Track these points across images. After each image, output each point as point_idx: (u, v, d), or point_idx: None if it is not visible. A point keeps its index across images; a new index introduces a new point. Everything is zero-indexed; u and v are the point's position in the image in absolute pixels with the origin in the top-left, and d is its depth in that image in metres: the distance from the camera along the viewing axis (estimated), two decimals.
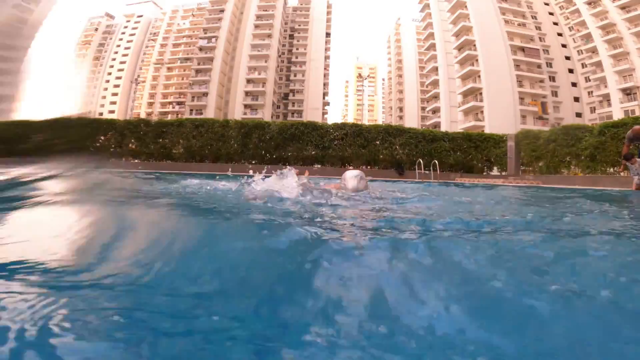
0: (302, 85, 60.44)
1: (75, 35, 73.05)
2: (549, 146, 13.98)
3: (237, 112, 50.33)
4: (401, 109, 70.91)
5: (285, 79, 62.20)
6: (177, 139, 16.19)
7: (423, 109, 65.32)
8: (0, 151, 17.40)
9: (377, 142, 16.02)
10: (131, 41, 69.33)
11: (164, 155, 16.34)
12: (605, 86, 40.73)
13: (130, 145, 16.54)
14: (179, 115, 53.46)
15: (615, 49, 39.86)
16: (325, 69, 62.08)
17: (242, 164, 16.20)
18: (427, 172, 13.68)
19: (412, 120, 63.30)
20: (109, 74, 68.38)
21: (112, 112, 63.47)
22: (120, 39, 70.71)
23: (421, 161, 10.65)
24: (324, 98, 60.32)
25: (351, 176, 2.79)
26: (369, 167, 16.31)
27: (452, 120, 46.54)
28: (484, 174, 17.04)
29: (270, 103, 53.27)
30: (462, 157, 16.46)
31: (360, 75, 44.33)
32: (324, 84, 60.83)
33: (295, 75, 61.46)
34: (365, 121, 38.07)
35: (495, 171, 17.02)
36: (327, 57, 63.55)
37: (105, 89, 67.72)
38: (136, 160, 16.78)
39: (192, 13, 65.69)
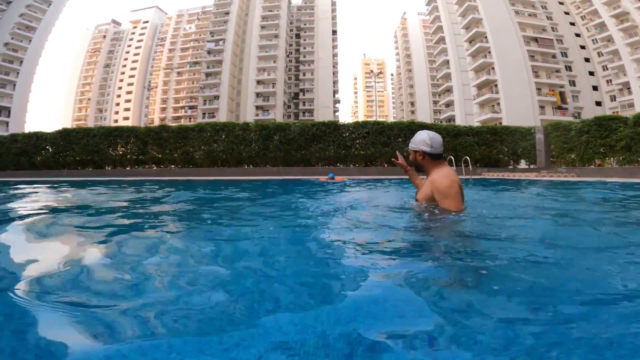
0: (311, 84, 60.26)
1: (84, 42, 74.20)
2: (582, 138, 13.52)
3: (249, 114, 50.43)
4: (412, 104, 70.22)
5: (295, 79, 62.12)
6: (198, 144, 16.15)
7: (435, 102, 64.53)
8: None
9: (400, 140, 15.73)
10: (140, 47, 70.09)
11: (186, 161, 16.33)
12: (625, 74, 39.80)
13: (151, 152, 16.57)
14: (192, 120, 53.83)
15: (631, 37, 39.14)
16: (333, 66, 61.72)
17: (264, 167, 16.11)
18: (455, 168, 13.36)
19: (424, 115, 62.65)
20: (121, 80, 69.24)
21: (126, 118, 64.32)
22: (129, 45, 71.55)
23: (452, 158, 10.38)
24: (334, 96, 59.99)
25: None
26: (393, 165, 16.06)
27: (467, 113, 45.81)
28: (510, 167, 16.62)
29: (281, 103, 53.21)
30: (487, 152, 16.06)
31: (371, 72, 43.77)
32: (334, 82, 60.49)
33: (304, 75, 61.30)
34: (376, 117, 37.78)
35: (522, 164, 16.57)
36: (334, 55, 63.16)
37: (119, 96, 68.59)
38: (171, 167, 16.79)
39: (198, 17, 66.06)
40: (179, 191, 5.73)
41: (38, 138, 17.46)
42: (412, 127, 15.81)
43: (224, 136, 15.95)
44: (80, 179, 12.83)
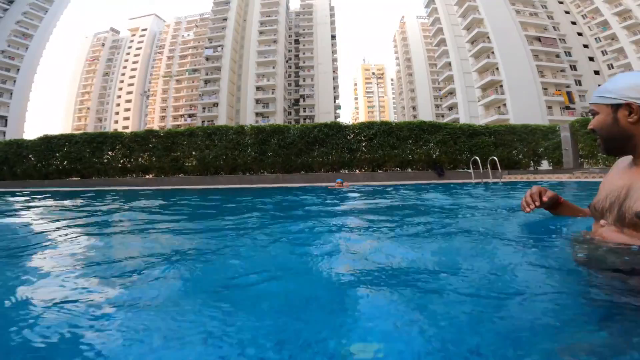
0: (311, 90, 59.31)
1: (83, 50, 73.73)
2: None
3: (248, 121, 49.36)
4: (414, 108, 69.19)
5: (295, 85, 61.22)
6: (189, 150, 14.85)
7: (437, 106, 63.44)
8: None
9: (410, 142, 14.37)
10: (138, 55, 69.54)
11: (176, 169, 14.99)
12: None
13: (139, 159, 15.26)
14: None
15: (636, 35, 38.54)
16: (333, 72, 60.83)
17: (261, 174, 14.75)
18: (469, 171, 12.01)
19: (426, 118, 61.45)
20: (120, 89, 68.55)
21: (126, 127, 63.41)
22: (128, 53, 71.04)
23: (477, 159, 9.04)
24: (334, 101, 58.95)
25: None
26: (402, 169, 14.72)
27: (471, 115, 44.53)
28: (531, 169, 15.24)
29: (282, 109, 52.14)
30: (506, 152, 14.69)
31: (372, 74, 42.95)
32: (334, 87, 59.52)
33: (304, 80, 60.40)
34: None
35: (545, 165, 15.19)
36: (334, 60, 62.33)
37: (118, 105, 67.80)
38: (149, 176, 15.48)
39: (196, 24, 65.48)
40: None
41: (19, 146, 16.20)
42: (424, 127, 14.46)
43: (216, 141, 14.64)
44: (61, 190, 11.49)
